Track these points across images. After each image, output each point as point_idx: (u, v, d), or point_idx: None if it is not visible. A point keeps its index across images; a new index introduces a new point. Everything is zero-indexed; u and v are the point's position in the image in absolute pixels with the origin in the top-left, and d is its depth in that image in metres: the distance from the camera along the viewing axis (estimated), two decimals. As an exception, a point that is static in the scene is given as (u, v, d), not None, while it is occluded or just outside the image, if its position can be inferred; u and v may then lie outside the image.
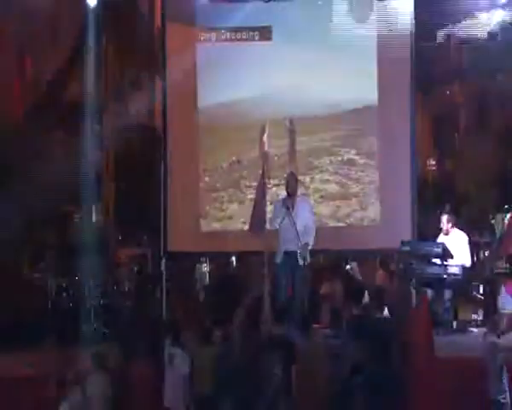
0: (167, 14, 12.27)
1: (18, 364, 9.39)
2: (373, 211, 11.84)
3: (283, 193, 10.42)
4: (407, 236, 11.31)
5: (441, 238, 10.80)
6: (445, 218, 10.84)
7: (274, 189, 11.52)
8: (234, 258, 12.81)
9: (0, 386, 8.70)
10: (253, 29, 12.05)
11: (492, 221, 12.22)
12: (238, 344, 8.62)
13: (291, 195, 10.09)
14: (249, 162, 12.04)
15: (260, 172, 10.62)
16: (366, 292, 10.41)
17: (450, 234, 10.74)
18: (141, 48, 13.91)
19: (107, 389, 8.05)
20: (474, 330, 10.47)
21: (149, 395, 8.48)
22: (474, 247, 11.27)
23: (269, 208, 10.62)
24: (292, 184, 10.16)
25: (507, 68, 12.99)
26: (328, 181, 11.92)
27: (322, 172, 11.94)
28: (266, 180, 10.48)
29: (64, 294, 11.48)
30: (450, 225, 10.75)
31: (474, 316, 10.96)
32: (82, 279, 11.39)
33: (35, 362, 9.20)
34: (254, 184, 11.62)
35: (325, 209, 11.82)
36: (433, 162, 14.32)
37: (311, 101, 11.84)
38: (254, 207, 10.50)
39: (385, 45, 11.76)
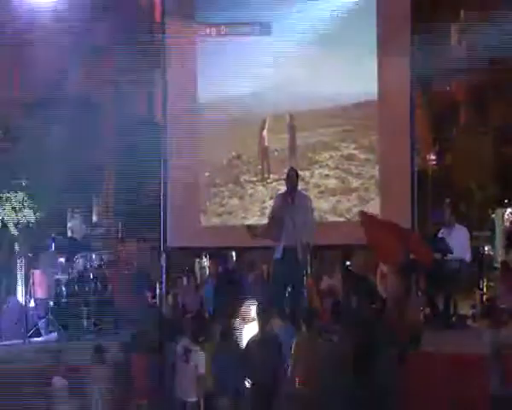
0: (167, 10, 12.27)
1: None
2: (373, 206, 11.83)
3: (283, 188, 10.38)
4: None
5: (442, 232, 10.79)
6: (447, 210, 10.82)
7: (274, 184, 11.52)
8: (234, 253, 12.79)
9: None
10: (253, 24, 12.03)
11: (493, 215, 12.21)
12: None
13: (291, 190, 10.04)
14: (249, 157, 12.03)
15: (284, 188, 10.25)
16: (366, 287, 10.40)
17: (452, 227, 10.71)
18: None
19: None
20: (475, 324, 10.45)
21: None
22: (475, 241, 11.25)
23: (268, 204, 10.62)
24: (292, 180, 10.09)
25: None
26: (328, 176, 11.91)
27: (322, 167, 11.95)
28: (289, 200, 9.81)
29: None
30: (452, 217, 10.72)
31: (474, 310, 10.94)
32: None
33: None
34: (254, 179, 11.64)
35: (325, 204, 11.81)
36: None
37: (311, 96, 11.82)
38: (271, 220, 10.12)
39: (385, 40, 11.74)
